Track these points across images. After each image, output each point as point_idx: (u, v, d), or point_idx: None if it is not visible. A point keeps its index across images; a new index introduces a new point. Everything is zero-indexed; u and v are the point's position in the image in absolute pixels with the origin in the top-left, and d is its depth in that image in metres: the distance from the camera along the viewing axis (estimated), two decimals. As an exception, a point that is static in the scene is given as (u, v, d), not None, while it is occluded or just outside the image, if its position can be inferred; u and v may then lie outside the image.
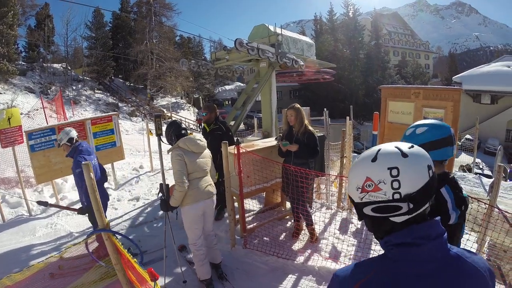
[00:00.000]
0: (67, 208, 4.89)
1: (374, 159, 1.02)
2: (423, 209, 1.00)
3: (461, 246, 1.13)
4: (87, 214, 4.28)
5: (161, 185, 3.50)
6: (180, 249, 4.43)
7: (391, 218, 1.00)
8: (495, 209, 3.31)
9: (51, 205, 4.56)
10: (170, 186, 3.59)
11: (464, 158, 13.04)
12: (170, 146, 3.58)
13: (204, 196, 3.49)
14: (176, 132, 3.52)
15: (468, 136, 14.98)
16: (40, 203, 4.38)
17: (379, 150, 1.04)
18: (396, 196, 0.97)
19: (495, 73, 22.35)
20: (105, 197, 4.35)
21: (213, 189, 3.68)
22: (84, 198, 3.97)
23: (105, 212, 4.26)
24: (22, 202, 6.54)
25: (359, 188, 1.03)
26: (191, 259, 3.99)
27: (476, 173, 11.01)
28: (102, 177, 4.46)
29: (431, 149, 1.68)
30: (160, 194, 3.52)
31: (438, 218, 1.03)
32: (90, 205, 3.89)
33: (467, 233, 3.84)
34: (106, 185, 7.62)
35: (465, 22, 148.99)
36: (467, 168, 12.08)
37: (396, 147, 1.02)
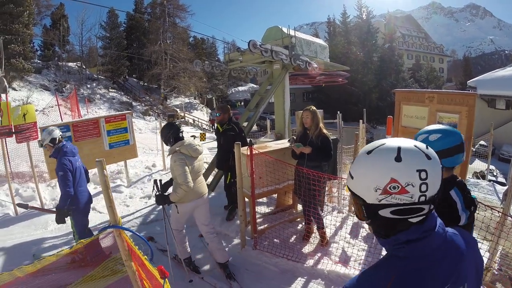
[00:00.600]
0: (47, 210, 4.86)
1: (398, 159, 0.96)
2: None
3: None
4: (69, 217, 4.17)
5: (155, 181, 3.66)
6: (149, 239, 4.75)
7: (410, 219, 0.99)
8: (509, 217, 3.25)
9: (32, 208, 4.54)
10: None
11: (478, 165, 12.77)
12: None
13: (197, 195, 3.79)
14: (175, 134, 3.74)
15: (482, 142, 14.69)
16: (20, 205, 4.44)
17: (399, 148, 0.98)
18: (422, 198, 0.96)
19: (511, 77, 21.88)
20: (89, 199, 4.26)
21: (205, 188, 3.97)
22: (62, 202, 3.88)
23: (88, 215, 4.26)
24: (35, 196, 6.65)
25: (379, 189, 0.97)
26: (163, 248, 4.23)
27: (490, 180, 10.79)
28: (86, 178, 4.37)
29: (445, 156, 1.68)
30: (155, 191, 3.66)
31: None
32: (64, 208, 3.83)
33: (479, 242, 3.78)
34: (118, 182, 7.76)
35: (479, 25, 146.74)
36: (481, 175, 11.84)
37: (416, 147, 1.00)
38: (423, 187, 0.95)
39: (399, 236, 1.00)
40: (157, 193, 3.65)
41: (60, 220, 3.89)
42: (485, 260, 3.41)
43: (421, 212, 0.97)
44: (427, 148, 1.01)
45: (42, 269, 2.92)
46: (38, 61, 30.13)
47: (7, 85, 6.60)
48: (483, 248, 3.40)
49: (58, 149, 4.03)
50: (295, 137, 4.51)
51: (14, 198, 6.19)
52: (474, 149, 13.91)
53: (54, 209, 4.11)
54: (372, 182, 0.98)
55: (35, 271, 2.57)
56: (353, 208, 5.47)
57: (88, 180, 4.47)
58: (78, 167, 4.09)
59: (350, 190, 1.07)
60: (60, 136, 4.14)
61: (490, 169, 12.40)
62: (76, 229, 4.17)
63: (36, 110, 9.60)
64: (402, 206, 0.96)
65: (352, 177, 1.05)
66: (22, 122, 6.49)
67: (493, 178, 12.45)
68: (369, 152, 1.02)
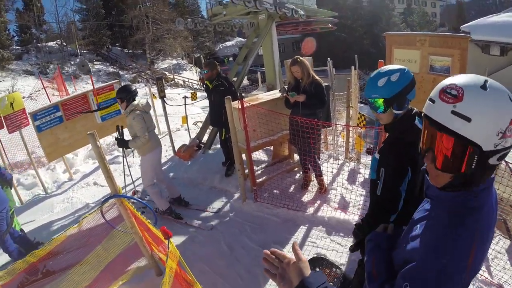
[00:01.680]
0: None
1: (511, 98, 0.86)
2: None
3: None
4: None
5: (117, 126, 4.20)
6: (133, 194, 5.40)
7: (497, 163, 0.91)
8: (502, 162, 3.24)
9: None
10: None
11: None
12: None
13: (156, 144, 4.36)
14: (135, 96, 4.22)
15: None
16: None
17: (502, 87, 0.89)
18: None
19: (505, 24, 21.14)
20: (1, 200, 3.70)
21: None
22: None
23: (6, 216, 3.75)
24: (37, 182, 6.62)
25: (501, 132, 0.85)
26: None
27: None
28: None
29: (409, 90, 1.76)
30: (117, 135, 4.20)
31: None
32: None
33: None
34: (116, 153, 7.71)
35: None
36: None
37: None
38: None
39: (481, 185, 0.94)
40: (118, 137, 4.16)
41: None
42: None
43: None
44: None
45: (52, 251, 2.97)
46: (17, 47, 29.11)
47: (90, 68, 6.60)
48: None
49: None
50: (286, 87, 4.42)
51: (17, 188, 6.13)
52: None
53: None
54: (495, 125, 0.85)
55: (47, 253, 2.63)
56: (349, 155, 5.49)
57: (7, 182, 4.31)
58: None
59: (458, 136, 0.88)
60: None
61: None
62: None
63: (23, 97, 9.33)
64: (507, 150, 0.88)
65: (468, 120, 0.85)
66: (10, 112, 6.35)
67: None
68: (484, 88, 0.86)
